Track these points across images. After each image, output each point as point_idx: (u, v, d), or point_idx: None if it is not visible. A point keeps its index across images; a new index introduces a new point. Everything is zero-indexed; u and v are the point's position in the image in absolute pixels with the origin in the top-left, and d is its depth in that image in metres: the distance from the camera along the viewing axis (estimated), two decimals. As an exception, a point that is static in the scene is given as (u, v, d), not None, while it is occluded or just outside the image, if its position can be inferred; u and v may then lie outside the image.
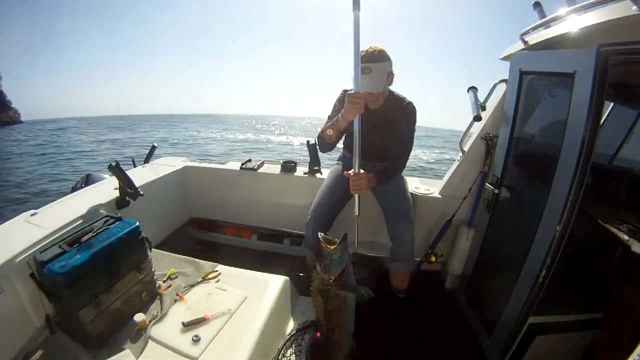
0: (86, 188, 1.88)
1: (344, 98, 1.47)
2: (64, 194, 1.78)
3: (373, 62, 1.49)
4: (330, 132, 1.58)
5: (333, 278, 1.13)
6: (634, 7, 1.09)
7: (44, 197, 6.73)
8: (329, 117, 1.71)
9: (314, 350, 1.34)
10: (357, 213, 1.45)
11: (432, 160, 17.92)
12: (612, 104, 3.01)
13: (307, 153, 2.35)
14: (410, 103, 1.70)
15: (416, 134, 1.75)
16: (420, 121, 1.77)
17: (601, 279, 1.88)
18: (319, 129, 1.73)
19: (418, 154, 19.94)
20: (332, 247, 1.13)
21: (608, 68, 1.25)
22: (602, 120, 3.08)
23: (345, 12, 1.30)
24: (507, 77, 1.89)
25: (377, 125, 1.63)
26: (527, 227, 1.55)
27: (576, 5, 1.41)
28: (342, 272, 1.12)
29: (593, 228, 2.20)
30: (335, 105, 1.75)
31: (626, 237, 1.99)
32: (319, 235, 1.19)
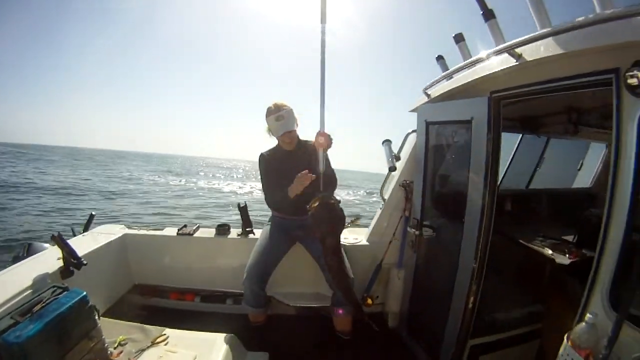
0: (30, 258, 1.83)
1: (265, 161, 1.89)
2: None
3: (282, 109, 1.79)
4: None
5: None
6: (513, 60, 1.30)
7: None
8: (267, 184, 1.94)
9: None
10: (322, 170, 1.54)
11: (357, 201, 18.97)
12: (520, 135, 3.41)
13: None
14: None
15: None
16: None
17: (537, 292, 2.03)
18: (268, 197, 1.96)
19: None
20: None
21: (501, 110, 1.46)
22: (513, 152, 3.52)
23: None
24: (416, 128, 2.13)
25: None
26: (450, 258, 1.71)
27: (467, 61, 1.59)
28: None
29: (519, 249, 2.43)
30: (263, 172, 1.94)
31: (549, 252, 2.23)
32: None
